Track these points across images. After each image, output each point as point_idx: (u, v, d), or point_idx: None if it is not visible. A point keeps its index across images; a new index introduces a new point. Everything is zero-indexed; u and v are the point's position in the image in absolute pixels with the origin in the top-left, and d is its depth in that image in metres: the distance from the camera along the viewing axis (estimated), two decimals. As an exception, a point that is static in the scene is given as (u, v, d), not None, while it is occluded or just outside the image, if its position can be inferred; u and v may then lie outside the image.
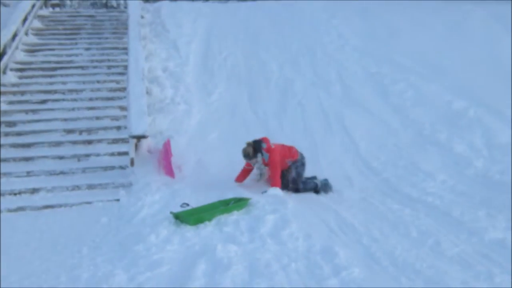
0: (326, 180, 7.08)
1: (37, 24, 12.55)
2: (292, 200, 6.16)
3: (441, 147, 8.18)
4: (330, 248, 4.72)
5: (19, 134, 8.27)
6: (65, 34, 12.42)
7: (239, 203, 5.85)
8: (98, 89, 9.84)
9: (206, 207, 5.87)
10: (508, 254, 4.82)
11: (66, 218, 6.17)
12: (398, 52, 11.51)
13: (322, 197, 6.76)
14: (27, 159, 7.66)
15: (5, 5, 14.79)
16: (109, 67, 10.76)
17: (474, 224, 5.60)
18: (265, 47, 12.41)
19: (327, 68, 11.26)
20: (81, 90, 9.74)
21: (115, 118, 8.88)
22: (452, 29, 12.25)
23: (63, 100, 9.38)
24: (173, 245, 4.92)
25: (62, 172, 7.42)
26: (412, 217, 5.88)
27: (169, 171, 7.28)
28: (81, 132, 8.42)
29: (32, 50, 11.21)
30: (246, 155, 6.80)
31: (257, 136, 7.03)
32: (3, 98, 9.05)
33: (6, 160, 7.53)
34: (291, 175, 6.90)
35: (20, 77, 10.08)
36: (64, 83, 10.00)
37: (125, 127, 8.31)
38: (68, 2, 24.93)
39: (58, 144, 8.10)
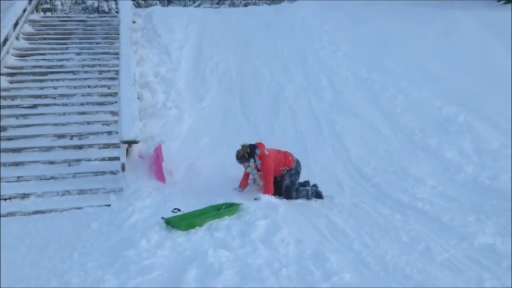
0: (315, 186, 7.10)
1: (28, 28, 12.48)
2: (283, 205, 6.17)
3: (431, 153, 8.22)
4: (321, 253, 4.74)
5: (9, 139, 8.21)
6: (56, 39, 12.34)
7: (230, 208, 5.86)
8: (89, 94, 9.81)
9: (197, 212, 5.87)
10: (497, 259, 4.86)
11: (57, 223, 6.14)
12: (389, 58, 11.56)
13: (313, 203, 6.77)
14: (17, 164, 7.61)
15: None
16: (100, 72, 10.72)
17: (464, 229, 5.63)
18: (257, 52, 12.44)
19: (318, 73, 11.30)
20: (72, 95, 9.72)
21: (106, 123, 8.85)
22: (442, 36, 12.32)
23: (54, 105, 9.33)
24: (164, 251, 4.92)
25: (52, 177, 7.38)
26: (403, 223, 5.91)
27: (160, 176, 7.26)
28: (72, 137, 8.38)
29: (23, 54, 11.15)
30: (239, 157, 6.77)
31: (248, 141, 6.99)
32: (-7, 102, 8.99)
33: (-4, 165, 7.47)
34: (285, 183, 6.87)
35: (11, 82, 10.02)
36: (55, 88, 9.95)
37: (116, 132, 8.28)
38: (60, 7, 24.87)
39: (48, 149, 8.05)
